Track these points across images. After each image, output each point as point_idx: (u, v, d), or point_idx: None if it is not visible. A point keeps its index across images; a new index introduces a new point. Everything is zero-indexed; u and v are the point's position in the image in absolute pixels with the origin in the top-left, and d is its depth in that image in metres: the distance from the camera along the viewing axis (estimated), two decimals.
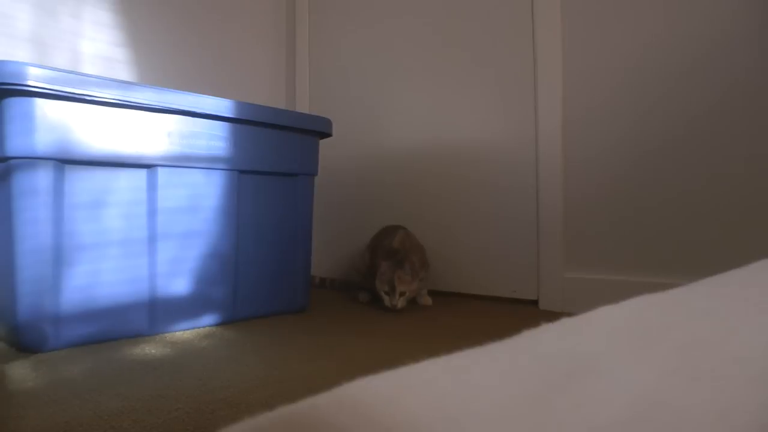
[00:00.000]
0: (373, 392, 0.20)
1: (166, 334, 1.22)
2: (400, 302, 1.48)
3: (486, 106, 1.75)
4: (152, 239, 1.20)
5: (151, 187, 1.19)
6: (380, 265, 1.52)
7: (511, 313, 1.52)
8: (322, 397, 0.21)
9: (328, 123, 1.55)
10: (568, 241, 1.56)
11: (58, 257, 1.06)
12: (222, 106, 1.28)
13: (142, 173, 1.19)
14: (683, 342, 0.26)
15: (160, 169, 1.20)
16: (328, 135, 1.57)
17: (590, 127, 1.52)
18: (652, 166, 1.41)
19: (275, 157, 1.43)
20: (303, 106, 2.31)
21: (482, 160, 1.76)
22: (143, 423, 0.71)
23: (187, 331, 1.26)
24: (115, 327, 1.15)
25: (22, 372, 0.93)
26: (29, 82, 0.98)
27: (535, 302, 1.63)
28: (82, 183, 1.10)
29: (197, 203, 1.28)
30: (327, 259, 2.23)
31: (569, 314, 1.36)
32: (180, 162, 1.23)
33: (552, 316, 1.47)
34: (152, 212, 1.20)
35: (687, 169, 1.36)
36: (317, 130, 1.52)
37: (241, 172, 1.36)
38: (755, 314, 0.33)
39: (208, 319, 1.31)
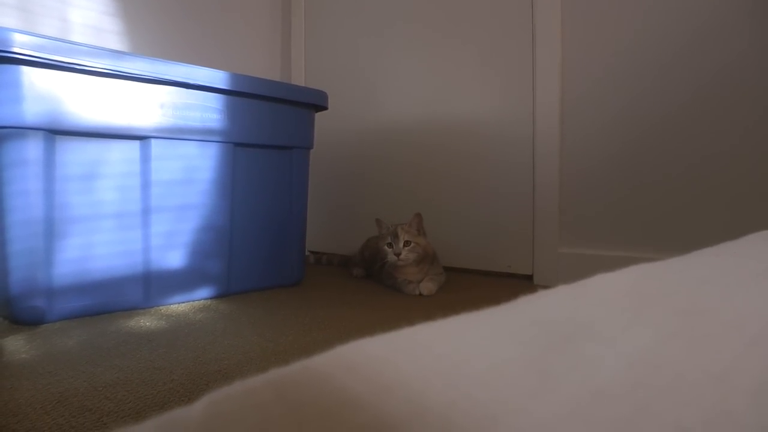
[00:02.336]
0: (367, 353, 0.20)
1: (161, 307, 1.22)
2: (405, 252, 1.38)
3: (484, 81, 1.73)
4: (146, 212, 1.19)
5: (145, 158, 1.18)
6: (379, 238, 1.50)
7: (507, 287, 1.52)
8: (316, 359, 0.20)
9: (323, 96, 1.53)
10: (563, 216, 1.56)
11: (50, 230, 1.05)
12: (216, 77, 1.26)
13: (135, 145, 1.17)
14: (681, 308, 0.26)
15: (153, 141, 1.18)
16: (323, 108, 1.55)
17: (588, 103, 1.50)
18: (649, 142, 1.41)
19: (270, 130, 1.41)
20: (299, 79, 2.28)
21: (479, 135, 1.75)
22: (138, 394, 0.71)
23: (182, 304, 1.26)
24: (110, 300, 1.15)
25: (16, 344, 0.93)
26: (15, 49, 0.96)
27: (530, 277, 1.63)
28: (73, 154, 1.08)
29: (192, 176, 1.26)
30: (322, 234, 2.23)
31: None
32: (174, 134, 1.21)
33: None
34: (146, 184, 1.18)
35: (683, 146, 1.35)
36: (313, 103, 1.50)
37: (236, 144, 1.35)
38: (752, 282, 0.32)
39: (203, 293, 1.31)
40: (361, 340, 0.22)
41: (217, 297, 1.34)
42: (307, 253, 1.96)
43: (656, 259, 1.39)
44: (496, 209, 1.71)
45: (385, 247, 1.42)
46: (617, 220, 1.46)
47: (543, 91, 1.58)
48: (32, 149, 1.01)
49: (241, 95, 1.33)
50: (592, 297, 0.28)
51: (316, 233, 2.22)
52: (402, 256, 1.39)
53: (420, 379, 0.18)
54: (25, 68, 1.00)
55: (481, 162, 1.74)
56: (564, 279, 1.52)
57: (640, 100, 1.41)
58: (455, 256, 1.78)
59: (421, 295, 1.41)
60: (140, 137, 1.17)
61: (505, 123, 1.68)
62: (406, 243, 1.39)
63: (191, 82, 1.21)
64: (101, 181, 1.12)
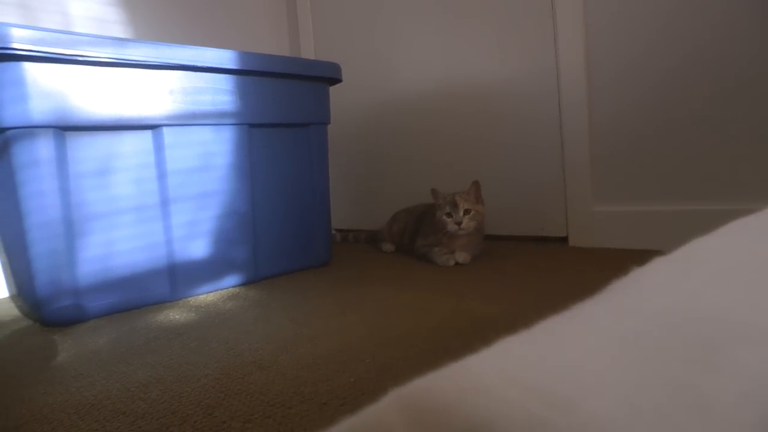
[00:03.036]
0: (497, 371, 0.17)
1: (189, 299, 1.20)
2: (465, 221, 1.34)
3: (501, 35, 1.64)
4: (165, 203, 1.15)
5: (158, 148, 1.14)
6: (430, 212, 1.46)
7: (543, 252, 1.46)
8: (435, 378, 0.18)
9: (336, 68, 1.47)
10: (595, 172, 1.48)
11: (70, 229, 1.03)
12: (224, 57, 1.21)
13: (147, 135, 1.13)
14: None
15: (165, 129, 1.14)
16: (337, 81, 1.49)
17: (614, 48, 1.40)
18: (679, 91, 1.31)
19: (285, 108, 1.36)
20: (308, 54, 2.21)
21: (500, 95, 1.66)
22: (172, 392, 0.68)
23: (210, 294, 1.23)
24: (137, 295, 1.13)
25: (46, 347, 0.91)
26: (15, 45, 0.92)
27: (564, 239, 1.57)
28: (85, 150, 1.05)
29: (208, 162, 1.23)
30: (347, 212, 2.19)
31: (603, 250, 1.29)
32: (186, 120, 1.17)
33: (584, 252, 1.41)
34: (162, 175, 1.15)
35: (715, 95, 1.26)
36: (326, 76, 1.44)
37: (251, 125, 1.30)
38: None
39: (230, 280, 1.28)
40: (475, 358, 0.19)
41: (246, 284, 1.31)
42: (333, 231, 1.92)
43: (695, 210, 1.30)
44: (524, 171, 1.64)
45: (444, 216, 1.37)
46: (654, 172, 1.38)
47: (565, 41, 1.48)
48: (43, 148, 0.98)
49: (251, 74, 1.28)
50: (710, 276, 0.22)
51: (341, 211, 2.17)
52: (463, 225, 1.35)
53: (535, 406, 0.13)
54: (27, 64, 0.96)
55: (505, 123, 1.67)
56: (601, 239, 1.46)
57: (671, 48, 1.32)
58: (487, 223, 1.72)
59: (456, 264, 1.37)
60: (152, 126, 1.13)
61: (527, 79, 1.60)
62: (466, 211, 1.35)
63: (199, 64, 1.16)
64: (116, 175, 1.09)
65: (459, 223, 1.34)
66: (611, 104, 1.43)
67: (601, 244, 1.46)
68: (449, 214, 1.36)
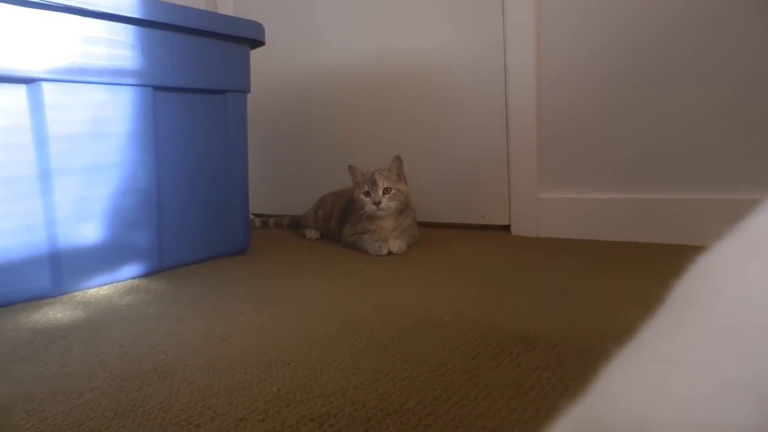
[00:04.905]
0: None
1: (77, 293, 1.05)
2: (385, 200, 1.29)
3: (443, 8, 1.58)
4: (45, 175, 1.00)
5: (36, 108, 0.98)
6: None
7: (483, 240, 1.42)
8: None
9: (259, 28, 1.35)
10: (541, 157, 1.46)
11: None
12: (124, 2, 1.06)
13: (20, 90, 0.96)
14: None
15: (45, 85, 0.98)
16: (260, 43, 1.37)
17: (567, 30, 1.38)
18: (634, 73, 1.31)
19: (198, 70, 1.23)
20: (226, 10, 2.05)
21: (441, 71, 1.61)
22: (43, 414, 0.56)
23: (104, 287, 1.09)
24: (8, 289, 0.97)
25: None
26: None
27: (506, 227, 1.55)
28: None
29: (102, 128, 1.08)
30: (267, 194, 2.07)
31: (548, 239, 1.25)
32: (73, 76, 1.01)
33: (527, 242, 1.39)
34: (41, 141, 0.99)
35: (664, 81, 1.26)
36: (247, 36, 1.32)
37: (156, 88, 1.16)
38: None
39: (129, 271, 1.15)
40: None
41: (148, 275, 1.18)
42: (251, 216, 1.81)
43: (645, 198, 1.30)
44: (464, 153, 1.60)
45: (362, 196, 1.33)
46: (604, 158, 1.37)
47: (515, 14, 1.44)
48: None
49: (157, 26, 1.14)
50: None
51: (261, 193, 2.05)
52: (382, 205, 1.30)
53: None
54: None
55: (446, 101, 1.62)
56: (545, 228, 1.44)
57: (622, 30, 1.31)
58: (422, 210, 1.67)
59: (390, 253, 1.31)
60: (27, 80, 0.96)
61: (472, 55, 1.55)
62: (386, 190, 1.31)
63: (91, 7, 1.01)
64: None
65: (378, 203, 1.29)
66: (562, 84, 1.41)
67: (546, 233, 1.44)
68: (367, 193, 1.32)
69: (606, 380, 0.18)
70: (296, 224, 1.76)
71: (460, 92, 1.59)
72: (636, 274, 1.01)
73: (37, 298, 1.01)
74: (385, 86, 1.73)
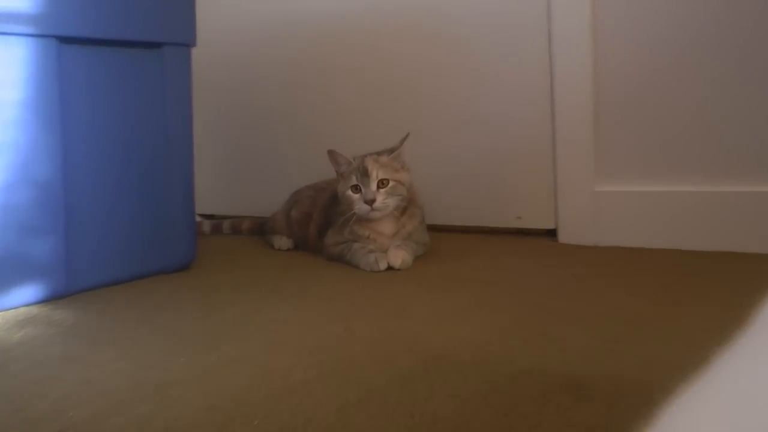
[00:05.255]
0: None
1: None
2: (381, 197, 1.31)
3: None
4: None
5: None
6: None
7: (520, 250, 1.43)
8: None
9: None
10: (599, 139, 1.47)
11: None
12: None
13: None
14: None
15: None
16: None
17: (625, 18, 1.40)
18: (691, 61, 1.34)
19: (120, 14, 1.27)
20: None
21: (457, 19, 1.63)
22: None
23: None
24: None
25: None
26: None
27: (552, 232, 1.57)
28: None
29: None
30: (221, 189, 2.10)
31: (606, 248, 1.26)
32: None
33: (580, 252, 1.39)
34: None
35: (730, 66, 1.31)
36: None
37: (62, 39, 1.19)
38: None
39: (23, 294, 1.17)
40: None
41: (51, 299, 1.21)
42: (197, 218, 1.83)
43: (737, 192, 1.29)
44: (493, 133, 1.63)
45: (350, 192, 1.35)
46: (690, 136, 1.39)
47: None
48: None
49: None
50: None
51: (211, 188, 2.09)
52: (377, 204, 1.31)
53: None
54: None
55: (464, 62, 1.65)
56: (606, 233, 1.45)
57: (686, 11, 1.35)
58: (433, 209, 1.69)
59: (390, 269, 1.33)
60: None
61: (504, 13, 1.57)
62: (382, 183, 1.32)
63: None
64: None
65: (371, 201, 1.31)
66: (624, 44, 1.42)
67: (606, 240, 1.45)
68: (356, 188, 1.33)
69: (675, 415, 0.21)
70: (261, 229, 1.79)
71: (484, 47, 1.62)
72: (736, 297, 1.01)
73: None
74: (383, 43, 1.76)
